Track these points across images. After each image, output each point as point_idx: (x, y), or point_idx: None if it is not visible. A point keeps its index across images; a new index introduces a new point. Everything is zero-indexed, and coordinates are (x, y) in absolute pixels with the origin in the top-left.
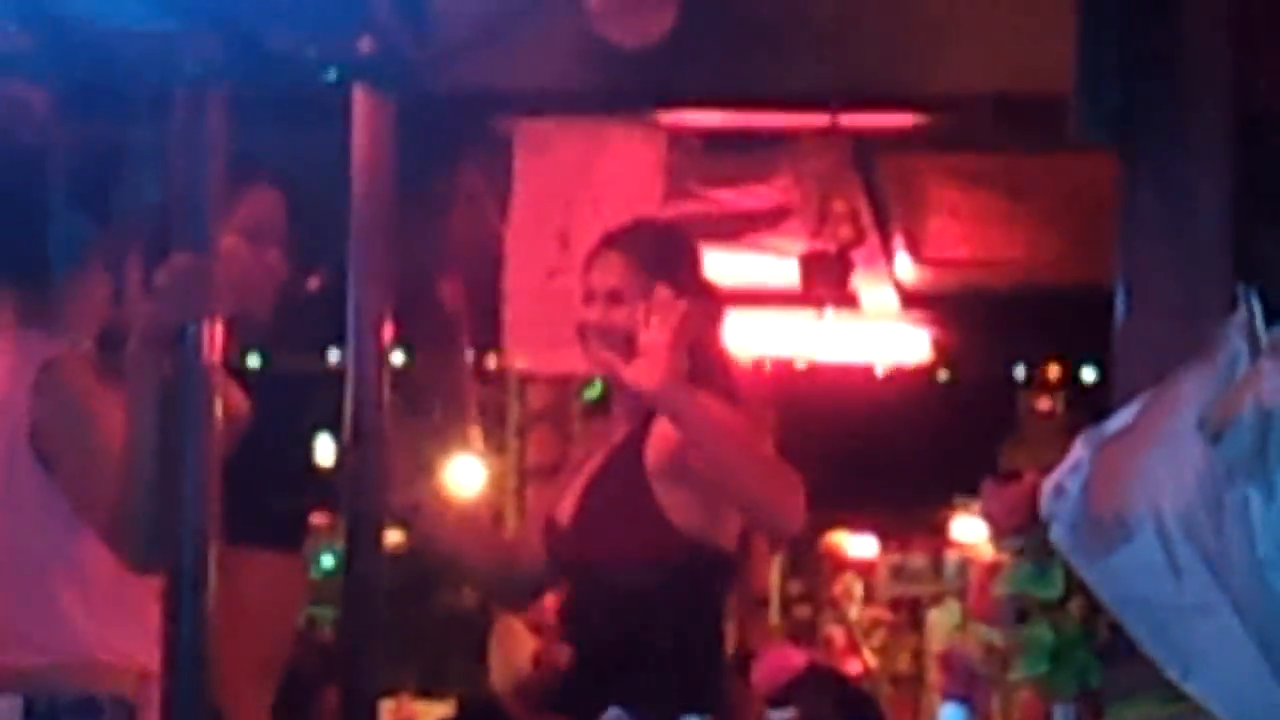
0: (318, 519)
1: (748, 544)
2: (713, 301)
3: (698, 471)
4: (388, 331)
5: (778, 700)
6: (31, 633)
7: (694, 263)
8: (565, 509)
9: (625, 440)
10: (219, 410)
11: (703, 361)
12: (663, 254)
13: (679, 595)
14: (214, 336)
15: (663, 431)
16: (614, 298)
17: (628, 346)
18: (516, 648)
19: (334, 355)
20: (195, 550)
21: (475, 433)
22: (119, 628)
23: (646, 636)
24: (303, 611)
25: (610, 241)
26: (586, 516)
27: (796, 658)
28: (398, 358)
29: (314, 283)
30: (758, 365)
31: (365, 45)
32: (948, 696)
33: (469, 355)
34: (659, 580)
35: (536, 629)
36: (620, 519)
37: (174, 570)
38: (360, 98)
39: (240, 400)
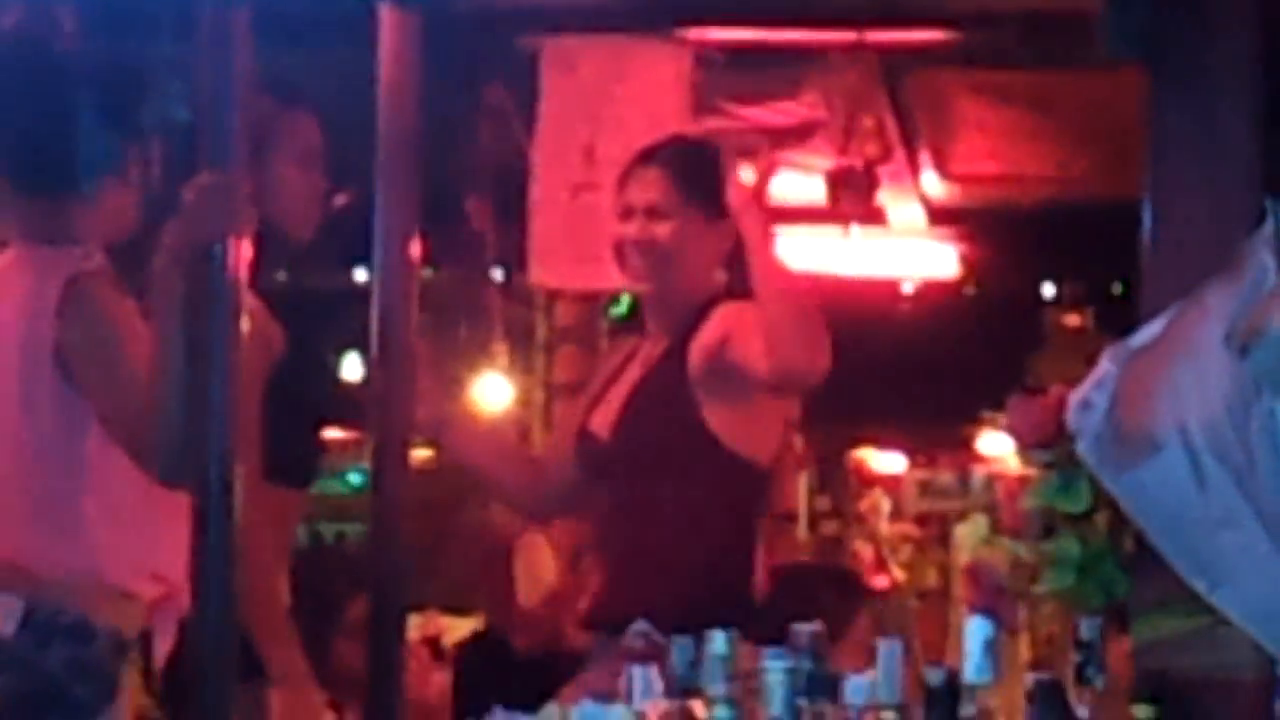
0: (346, 435)
1: (777, 460)
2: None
3: (739, 378)
4: (415, 249)
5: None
6: (50, 544)
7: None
8: (603, 422)
9: (665, 353)
10: (245, 328)
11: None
12: (701, 171)
13: (716, 508)
14: (241, 255)
15: (705, 342)
16: (653, 213)
17: (666, 263)
18: (542, 564)
19: (360, 274)
20: (222, 468)
21: (501, 349)
22: (137, 551)
23: (681, 550)
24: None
25: (648, 157)
26: (628, 429)
27: None
28: (424, 275)
29: (340, 200)
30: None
31: None
32: (974, 609)
33: (496, 273)
34: (699, 494)
35: (559, 546)
36: (664, 431)
37: (201, 489)
38: (386, 16)
39: (277, 333)
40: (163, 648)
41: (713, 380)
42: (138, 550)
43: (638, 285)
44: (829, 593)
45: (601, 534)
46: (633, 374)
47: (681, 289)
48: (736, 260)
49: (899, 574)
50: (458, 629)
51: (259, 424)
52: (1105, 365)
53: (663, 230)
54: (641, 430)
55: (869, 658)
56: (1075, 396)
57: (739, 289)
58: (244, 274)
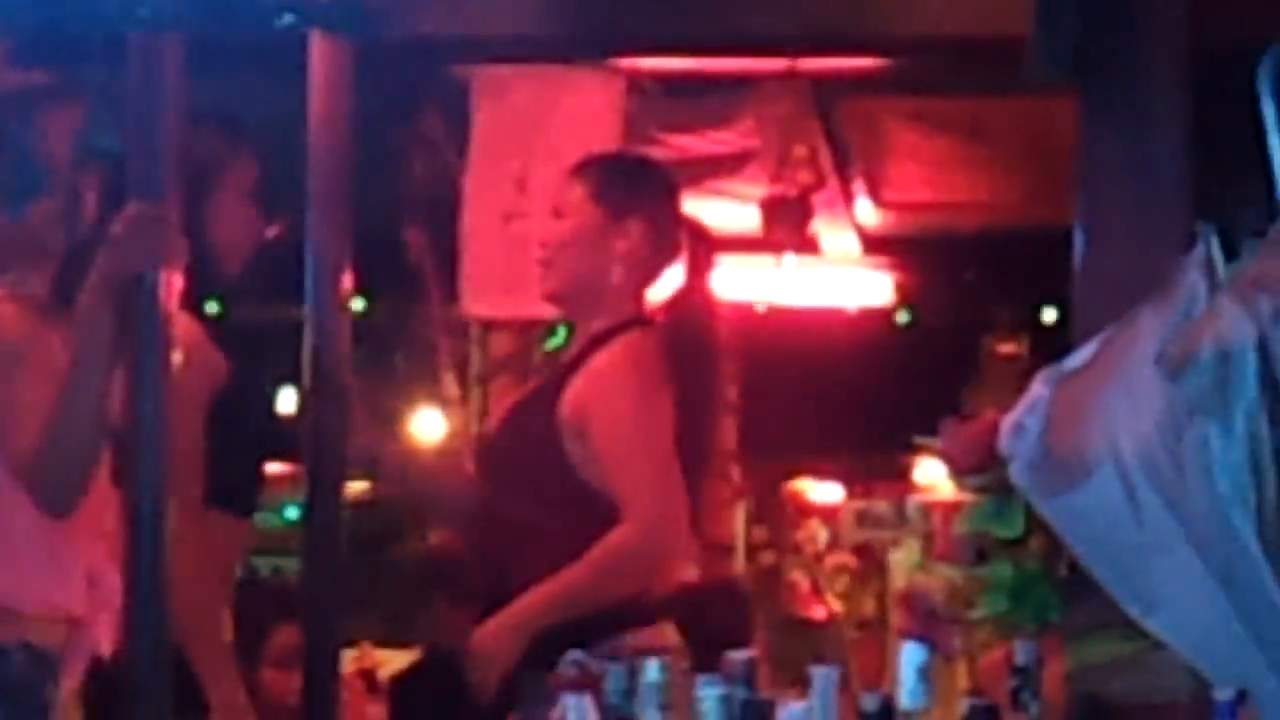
0: (281, 470)
1: (702, 491)
2: (704, 245)
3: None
4: (348, 280)
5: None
6: None
7: (668, 201)
8: (485, 433)
9: (543, 385)
10: (178, 359)
11: (689, 303)
12: (611, 173)
13: (563, 531)
14: (172, 285)
15: (570, 398)
16: (558, 214)
17: (564, 258)
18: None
19: (296, 306)
20: (154, 496)
21: (449, 379)
22: (42, 576)
23: (526, 564)
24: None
25: (571, 173)
26: (495, 442)
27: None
28: (358, 305)
29: (272, 231)
30: (723, 312)
31: None
32: (908, 635)
33: (436, 303)
34: (547, 514)
35: None
36: (520, 451)
37: (133, 517)
38: (318, 44)
39: (220, 361)
40: (69, 681)
41: (571, 430)
42: (44, 580)
43: (560, 309)
44: (721, 610)
45: (468, 541)
46: (527, 390)
47: (578, 304)
48: (689, 289)
49: (835, 604)
50: (393, 661)
51: (202, 451)
52: (1038, 388)
53: (562, 226)
54: (504, 452)
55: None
56: (1008, 420)
57: (688, 317)
58: (175, 304)
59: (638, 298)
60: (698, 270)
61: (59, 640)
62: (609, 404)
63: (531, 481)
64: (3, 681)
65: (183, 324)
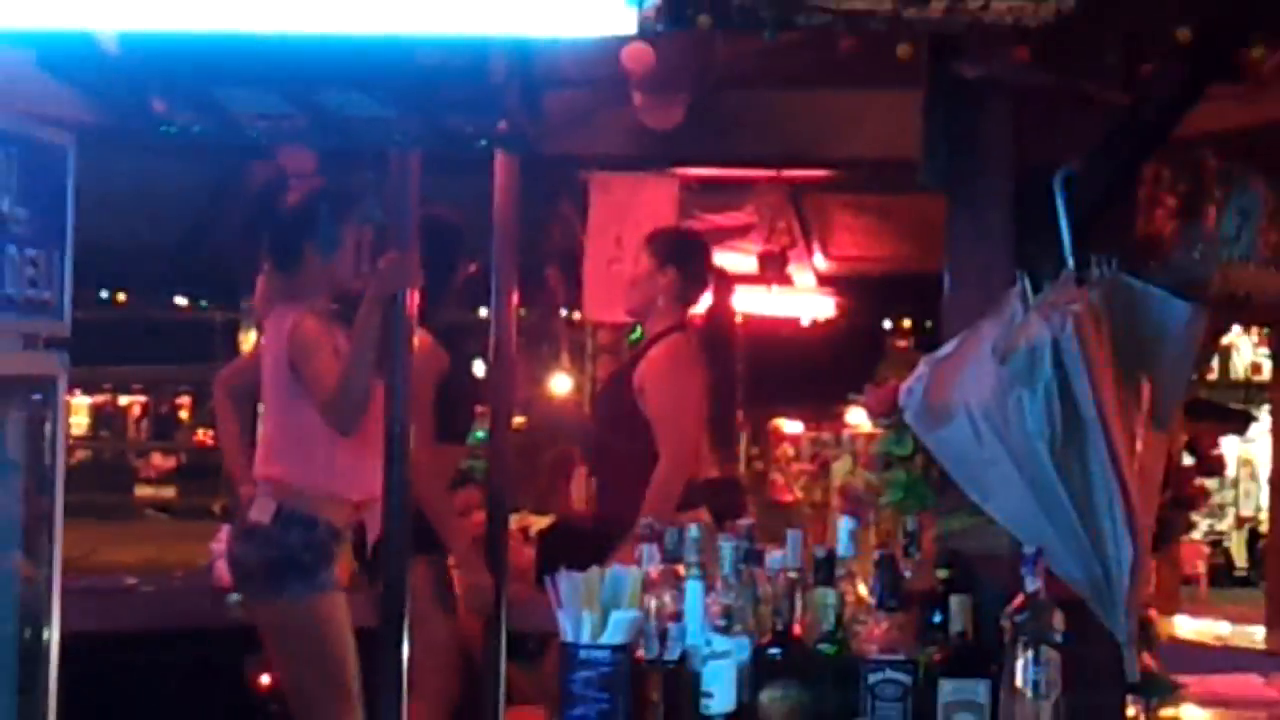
0: (478, 410)
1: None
2: (726, 280)
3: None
4: (514, 297)
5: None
6: (293, 468)
7: (700, 255)
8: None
9: (623, 367)
10: (417, 347)
11: (716, 316)
12: (660, 236)
13: (640, 455)
14: (412, 300)
15: (638, 373)
16: (636, 261)
17: (633, 288)
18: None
19: (483, 311)
20: (401, 427)
21: (565, 358)
22: (349, 475)
23: (621, 471)
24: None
25: (644, 241)
26: (600, 401)
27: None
28: (520, 313)
29: (473, 268)
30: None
31: (502, 125)
32: (843, 513)
33: (563, 312)
34: (634, 445)
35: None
36: (615, 405)
37: (389, 440)
38: (499, 158)
39: (442, 354)
40: (372, 535)
41: (639, 394)
42: (347, 474)
43: (635, 318)
44: (730, 496)
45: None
46: (615, 370)
47: (645, 316)
48: (716, 309)
49: (799, 493)
50: (539, 522)
51: (434, 407)
52: (921, 368)
53: (637, 271)
54: (604, 404)
55: None
56: (904, 386)
57: (717, 327)
58: (414, 314)
59: (679, 313)
60: (721, 295)
61: (344, 516)
62: (655, 382)
63: (620, 422)
64: (312, 539)
65: (418, 335)
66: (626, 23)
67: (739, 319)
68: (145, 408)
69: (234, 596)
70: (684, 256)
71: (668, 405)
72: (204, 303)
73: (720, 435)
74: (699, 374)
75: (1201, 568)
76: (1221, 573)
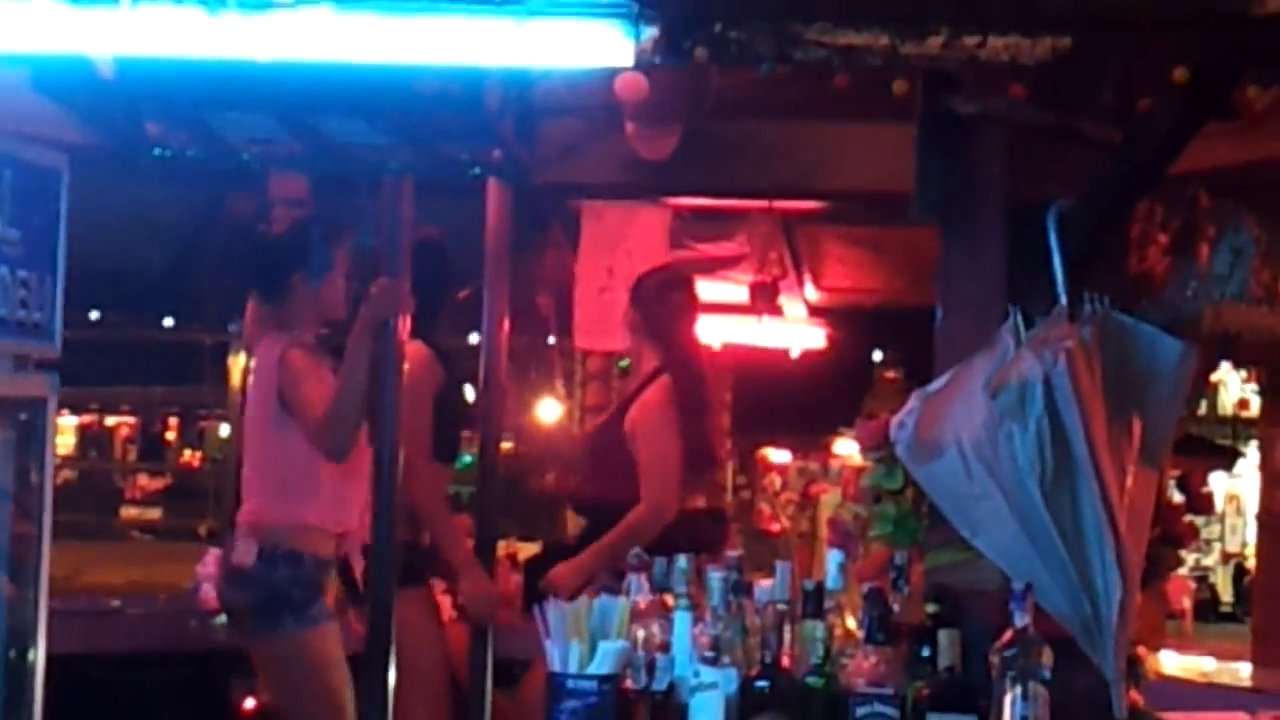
0: (465, 434)
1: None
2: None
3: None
4: (505, 324)
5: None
6: (274, 505)
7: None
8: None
9: (620, 406)
10: (416, 360)
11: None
12: (640, 294)
13: (629, 483)
14: (403, 326)
15: (630, 416)
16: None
17: (630, 328)
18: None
19: (474, 337)
20: (390, 454)
21: (558, 385)
22: (330, 507)
23: (605, 498)
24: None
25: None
26: (593, 435)
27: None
28: (511, 340)
29: (464, 294)
30: (725, 350)
31: (496, 154)
32: (831, 546)
33: (553, 339)
34: (619, 474)
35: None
36: (609, 440)
37: (377, 465)
38: (492, 186)
39: (439, 370)
40: (357, 567)
41: (628, 437)
42: (328, 506)
43: (628, 349)
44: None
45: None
46: (610, 408)
47: (637, 353)
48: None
49: (786, 523)
50: (526, 550)
51: (429, 427)
52: (912, 402)
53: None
54: (600, 438)
55: None
56: (894, 420)
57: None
58: (405, 336)
59: (660, 351)
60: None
61: (329, 548)
62: (642, 429)
63: (613, 458)
64: (300, 574)
65: (416, 349)
66: (623, 55)
67: (727, 350)
68: (133, 429)
69: (220, 619)
70: (648, 297)
71: (650, 451)
72: (193, 325)
73: (695, 462)
74: (675, 424)
75: (1187, 603)
76: (1207, 608)
